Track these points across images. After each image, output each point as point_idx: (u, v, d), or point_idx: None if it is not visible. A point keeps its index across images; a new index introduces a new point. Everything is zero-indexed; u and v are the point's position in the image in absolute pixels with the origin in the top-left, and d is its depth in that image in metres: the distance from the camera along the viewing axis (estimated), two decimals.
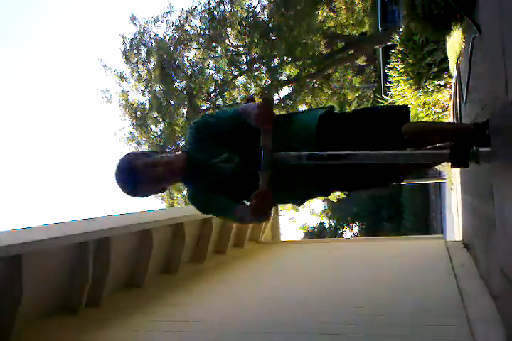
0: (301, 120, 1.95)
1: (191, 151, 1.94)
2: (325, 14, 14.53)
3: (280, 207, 7.57)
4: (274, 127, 1.59)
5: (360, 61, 17.10)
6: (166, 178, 1.88)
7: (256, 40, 13.28)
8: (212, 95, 14.45)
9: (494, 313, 2.13)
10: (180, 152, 1.99)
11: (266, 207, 1.65)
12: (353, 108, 13.91)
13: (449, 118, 6.57)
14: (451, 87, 6.04)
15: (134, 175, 1.80)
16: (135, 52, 14.07)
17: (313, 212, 23.93)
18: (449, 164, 1.37)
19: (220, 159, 1.87)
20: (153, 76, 13.82)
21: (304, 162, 1.51)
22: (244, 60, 14.31)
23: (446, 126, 2.09)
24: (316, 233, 29.32)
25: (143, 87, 14.24)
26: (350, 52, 14.83)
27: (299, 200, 2.05)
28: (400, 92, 6.95)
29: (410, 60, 6.38)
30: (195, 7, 13.92)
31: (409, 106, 1.97)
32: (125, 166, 1.83)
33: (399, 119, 1.88)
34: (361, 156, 1.44)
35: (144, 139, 14.31)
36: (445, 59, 5.95)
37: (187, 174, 1.91)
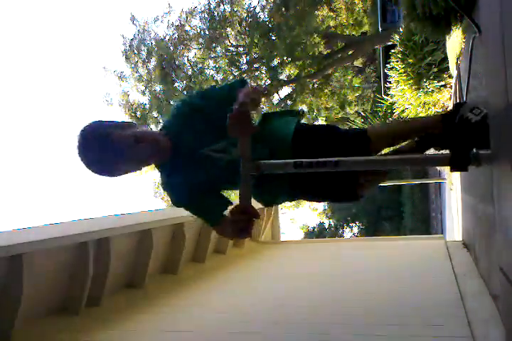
0: (275, 126, 1.77)
1: (175, 135, 1.66)
2: (325, 14, 14.53)
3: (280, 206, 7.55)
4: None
5: (358, 63, 17.11)
6: (149, 158, 1.59)
7: (256, 40, 13.28)
8: None
9: (494, 313, 2.12)
10: (159, 131, 1.70)
11: (245, 224, 1.42)
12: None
13: None
14: (451, 87, 6.04)
15: (110, 151, 1.48)
16: (135, 52, 14.09)
17: (314, 208, 23.84)
18: (449, 168, 1.32)
19: (213, 148, 1.62)
20: (153, 76, 13.83)
21: (290, 170, 1.37)
22: (244, 60, 14.31)
23: (414, 127, 1.96)
24: (316, 233, 29.32)
25: (143, 87, 14.25)
26: (350, 52, 14.84)
27: (265, 201, 1.87)
28: (400, 92, 6.96)
29: (410, 60, 6.38)
30: (195, 7, 13.95)
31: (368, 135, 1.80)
32: (98, 140, 1.49)
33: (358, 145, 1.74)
34: (352, 162, 1.38)
35: None
36: (445, 59, 5.95)
37: (171, 158, 1.64)
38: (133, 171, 1.61)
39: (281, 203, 2.04)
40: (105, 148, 1.49)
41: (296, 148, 1.72)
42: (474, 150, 1.31)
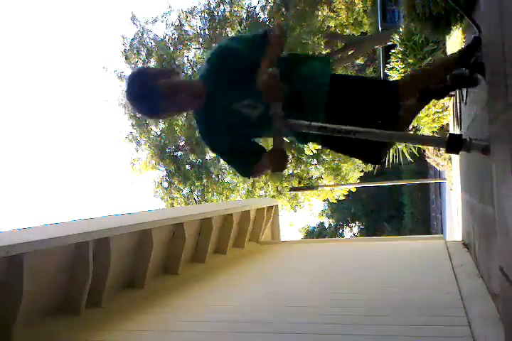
0: (312, 70, 1.89)
1: (209, 83, 1.80)
2: (325, 14, 14.53)
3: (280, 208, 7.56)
4: (282, 72, 1.63)
5: (359, 60, 17.09)
6: (184, 107, 1.85)
7: None
8: None
9: (494, 313, 2.13)
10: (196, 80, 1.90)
11: (283, 163, 1.73)
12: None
13: (448, 118, 6.58)
14: None
15: (151, 101, 1.70)
16: (135, 52, 14.07)
17: (312, 213, 23.95)
18: (444, 149, 1.55)
19: (242, 104, 1.77)
20: None
21: (313, 131, 1.62)
22: None
23: (435, 70, 2.12)
24: (316, 233, 29.30)
25: None
26: (350, 52, 14.83)
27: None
28: None
29: (410, 60, 6.38)
30: (195, 7, 13.94)
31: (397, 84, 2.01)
32: (140, 89, 1.70)
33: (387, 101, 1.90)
34: (366, 133, 1.63)
35: (144, 139, 14.31)
36: None
37: (204, 106, 1.82)
38: (172, 115, 1.96)
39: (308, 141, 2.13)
40: (147, 98, 1.69)
41: (330, 98, 1.86)
42: (468, 138, 1.49)
